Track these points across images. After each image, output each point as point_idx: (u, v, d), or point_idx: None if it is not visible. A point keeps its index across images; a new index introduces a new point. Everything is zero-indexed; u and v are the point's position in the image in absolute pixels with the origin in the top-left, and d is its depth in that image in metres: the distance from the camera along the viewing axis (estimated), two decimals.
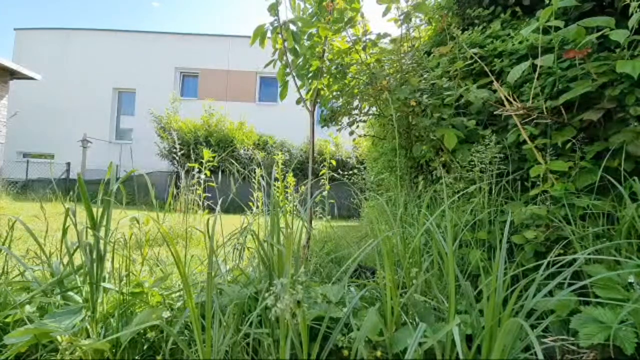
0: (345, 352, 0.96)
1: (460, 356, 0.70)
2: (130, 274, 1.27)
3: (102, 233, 1.16)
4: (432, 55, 2.31)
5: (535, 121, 1.53)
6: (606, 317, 0.87)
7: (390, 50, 2.28)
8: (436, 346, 0.80)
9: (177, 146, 5.01)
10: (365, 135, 3.48)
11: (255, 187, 3.63)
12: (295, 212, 1.33)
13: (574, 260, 1.01)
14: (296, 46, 1.97)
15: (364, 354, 0.83)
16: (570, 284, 0.87)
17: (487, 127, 1.93)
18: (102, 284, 1.13)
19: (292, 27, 1.96)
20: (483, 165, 1.63)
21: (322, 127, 2.76)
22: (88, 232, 1.17)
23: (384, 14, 2.26)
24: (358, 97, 2.43)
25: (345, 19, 1.99)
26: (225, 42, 14.77)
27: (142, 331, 1.09)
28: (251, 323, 0.97)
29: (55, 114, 14.08)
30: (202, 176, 4.06)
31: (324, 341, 0.92)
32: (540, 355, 0.62)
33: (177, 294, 1.26)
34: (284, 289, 0.78)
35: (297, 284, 0.84)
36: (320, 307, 1.06)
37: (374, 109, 2.59)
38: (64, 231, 1.22)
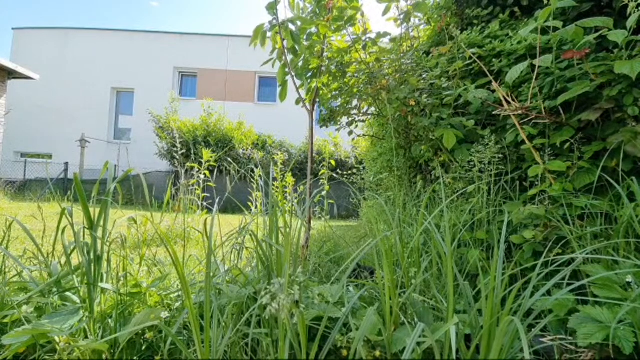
0: (344, 352, 0.95)
1: (454, 355, 0.70)
2: (128, 274, 1.26)
3: (99, 233, 1.16)
4: (431, 55, 2.31)
5: (533, 121, 1.53)
6: (604, 317, 0.87)
7: (389, 50, 2.28)
8: (435, 346, 0.80)
9: (177, 146, 5.01)
10: (364, 135, 3.48)
11: (254, 186, 3.62)
12: (294, 212, 1.33)
13: (572, 259, 1.02)
14: (295, 46, 1.97)
15: (362, 354, 0.82)
16: (568, 284, 0.87)
17: (486, 127, 1.93)
18: (100, 284, 1.12)
19: (291, 26, 1.96)
20: (482, 165, 1.63)
21: (321, 127, 2.76)
22: (85, 232, 1.16)
23: (384, 13, 2.26)
24: (357, 97, 2.43)
25: (345, 18, 1.99)
26: (224, 42, 14.74)
27: (140, 332, 1.09)
28: (250, 323, 0.97)
29: (54, 114, 14.03)
30: (201, 176, 4.05)
31: (322, 341, 0.92)
32: (528, 356, 0.62)
33: (176, 294, 1.26)
34: (281, 289, 0.78)
35: (295, 283, 0.84)
36: (320, 307, 1.06)
37: (372, 108, 2.60)
38: (62, 231, 1.21)
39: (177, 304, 1.18)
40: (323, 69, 2.13)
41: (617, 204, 1.26)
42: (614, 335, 0.81)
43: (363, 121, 2.78)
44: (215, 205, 1.10)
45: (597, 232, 1.24)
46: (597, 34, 1.36)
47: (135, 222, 1.46)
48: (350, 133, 2.71)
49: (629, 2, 1.33)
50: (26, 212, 4.77)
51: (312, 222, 2.15)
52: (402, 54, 2.28)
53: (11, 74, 8.90)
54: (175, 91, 14.16)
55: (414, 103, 2.03)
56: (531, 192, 1.47)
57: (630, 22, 1.27)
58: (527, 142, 1.52)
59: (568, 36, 1.43)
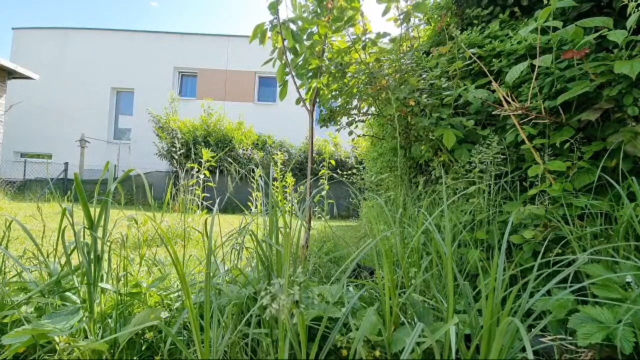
0: (344, 352, 0.95)
1: (454, 355, 0.70)
2: (128, 274, 1.26)
3: (99, 233, 1.16)
4: (431, 55, 2.31)
5: (533, 121, 1.53)
6: (604, 317, 0.87)
7: (389, 50, 2.28)
8: (434, 346, 0.80)
9: (177, 146, 5.01)
10: (364, 135, 3.48)
11: (254, 186, 3.63)
12: (294, 212, 1.33)
13: (573, 260, 1.01)
14: (296, 45, 1.97)
15: (362, 354, 0.82)
16: (568, 284, 0.87)
17: (486, 127, 1.93)
18: (100, 284, 1.12)
19: (292, 25, 1.96)
20: (483, 166, 1.63)
21: (321, 127, 2.76)
22: (85, 232, 1.16)
23: (384, 13, 2.26)
24: (357, 97, 2.43)
25: (345, 18, 1.98)
26: (224, 42, 14.74)
27: (140, 332, 1.09)
28: (250, 323, 0.97)
29: (53, 114, 14.03)
30: (201, 176, 4.05)
31: (322, 341, 0.92)
32: (531, 355, 0.62)
33: (176, 294, 1.26)
34: (281, 289, 0.78)
35: (295, 284, 0.84)
36: (319, 307, 1.06)
37: (372, 108, 2.60)
38: (62, 231, 1.21)
39: (177, 304, 1.18)
40: (323, 69, 2.13)
41: (617, 203, 1.26)
42: (613, 335, 0.81)
43: (363, 121, 2.78)
44: (216, 205, 1.10)
45: (597, 232, 1.23)
46: (597, 34, 1.36)
47: (136, 222, 1.46)
48: (350, 133, 2.71)
49: (629, 2, 1.33)
50: (26, 212, 4.76)
51: (312, 222, 2.15)
52: (402, 54, 2.28)
53: (11, 74, 8.89)
54: (175, 91, 14.15)
55: (413, 103, 2.03)
56: (531, 192, 1.47)
57: (630, 22, 1.27)
58: (527, 142, 1.52)
59: (568, 36, 1.43)
